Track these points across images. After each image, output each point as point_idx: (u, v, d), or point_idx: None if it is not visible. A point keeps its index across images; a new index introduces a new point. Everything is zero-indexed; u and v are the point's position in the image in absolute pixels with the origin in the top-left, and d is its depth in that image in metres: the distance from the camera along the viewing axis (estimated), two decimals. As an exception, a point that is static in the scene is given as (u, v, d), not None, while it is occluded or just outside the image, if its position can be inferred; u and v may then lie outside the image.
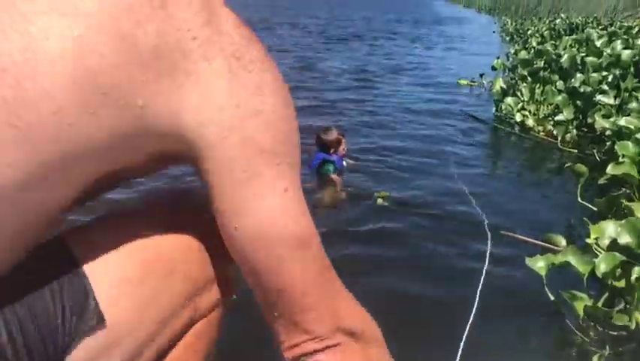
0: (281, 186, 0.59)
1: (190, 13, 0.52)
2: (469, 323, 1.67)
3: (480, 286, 1.88)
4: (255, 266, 0.61)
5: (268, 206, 0.58)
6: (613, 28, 8.86)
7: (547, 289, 1.76)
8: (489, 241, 2.27)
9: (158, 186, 2.57)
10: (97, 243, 0.61)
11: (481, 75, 6.70)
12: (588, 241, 2.05)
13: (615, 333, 1.65)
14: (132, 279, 0.61)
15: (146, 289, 0.62)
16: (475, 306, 1.77)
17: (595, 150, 3.69)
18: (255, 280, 0.63)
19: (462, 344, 1.57)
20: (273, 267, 0.61)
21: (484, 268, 2.03)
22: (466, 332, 1.63)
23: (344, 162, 3.20)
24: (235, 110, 0.55)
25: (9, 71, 0.45)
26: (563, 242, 2.21)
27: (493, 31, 16.52)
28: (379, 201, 2.73)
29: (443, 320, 1.76)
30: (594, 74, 4.65)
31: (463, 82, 6.86)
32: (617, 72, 4.53)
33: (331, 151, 3.12)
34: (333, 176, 3.04)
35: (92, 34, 0.47)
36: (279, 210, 0.59)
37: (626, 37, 6.67)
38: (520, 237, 2.38)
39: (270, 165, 0.58)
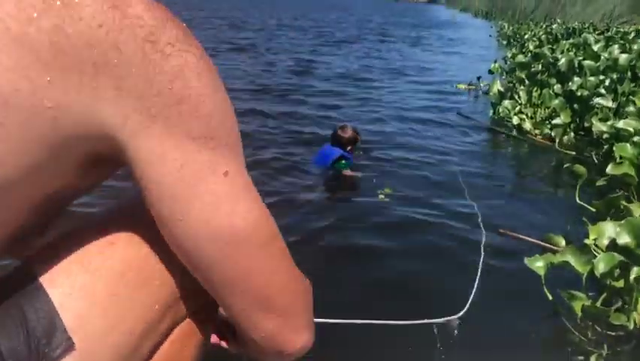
0: (220, 170, 0.55)
1: None
2: (465, 308, 1.68)
3: (477, 280, 1.92)
4: (210, 257, 0.58)
5: (211, 190, 0.55)
6: (610, 33, 8.91)
7: (545, 289, 1.76)
8: (483, 238, 2.29)
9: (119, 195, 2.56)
10: (61, 262, 0.58)
11: (479, 78, 6.72)
12: (587, 241, 2.05)
13: (613, 333, 1.65)
14: (102, 294, 0.58)
15: (119, 303, 0.58)
16: (471, 299, 1.77)
17: (592, 153, 3.70)
18: (210, 274, 0.60)
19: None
20: (233, 255, 0.58)
21: (480, 261, 2.09)
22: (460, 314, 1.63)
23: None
24: (156, 99, 0.51)
25: None
26: (562, 242, 2.22)
27: (490, 35, 16.58)
28: (381, 197, 2.85)
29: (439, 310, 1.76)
30: (591, 78, 4.67)
31: (462, 86, 6.88)
32: (615, 76, 4.55)
33: (348, 148, 3.26)
34: (348, 172, 3.17)
35: None
36: (224, 194, 0.56)
37: (622, 41, 6.72)
38: (519, 236, 2.38)
39: (203, 150, 0.54)
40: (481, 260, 2.10)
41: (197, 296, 0.67)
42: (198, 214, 0.55)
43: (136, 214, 0.63)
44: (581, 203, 2.46)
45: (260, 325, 0.63)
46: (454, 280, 2.03)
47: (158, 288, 0.62)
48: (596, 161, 3.54)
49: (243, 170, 0.58)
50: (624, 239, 1.73)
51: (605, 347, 1.62)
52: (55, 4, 0.46)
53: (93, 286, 0.58)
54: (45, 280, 0.57)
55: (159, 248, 0.62)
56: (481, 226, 2.43)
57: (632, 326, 1.65)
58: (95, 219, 0.66)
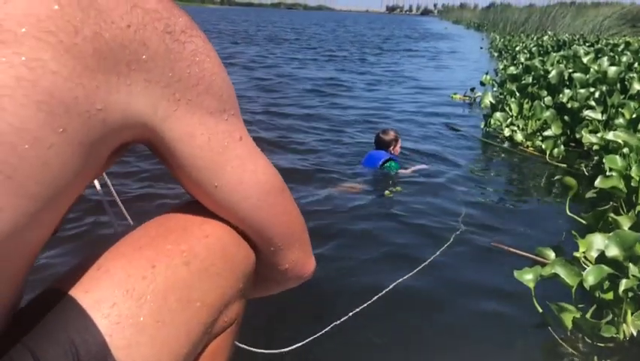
0: (237, 136, 0.64)
1: (115, 1, 0.51)
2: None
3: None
4: (248, 211, 0.66)
5: (235, 155, 0.63)
6: (599, 45, 9.01)
7: (535, 302, 1.77)
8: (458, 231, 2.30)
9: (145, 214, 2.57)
10: (104, 286, 0.58)
11: (472, 89, 6.78)
12: (576, 254, 2.06)
13: (603, 345, 1.66)
14: (148, 321, 0.58)
15: (165, 328, 0.59)
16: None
17: (583, 165, 3.73)
18: (250, 225, 0.68)
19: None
20: (264, 205, 0.67)
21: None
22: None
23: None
24: (179, 84, 0.56)
25: None
26: (552, 255, 2.23)
27: (481, 47, 16.74)
28: (387, 193, 3.27)
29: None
30: (582, 90, 4.72)
31: (457, 96, 6.95)
32: (604, 88, 4.60)
33: (390, 149, 3.63)
34: (403, 171, 3.59)
35: (36, 54, 0.45)
36: (245, 155, 0.64)
37: (612, 54, 6.79)
38: (509, 249, 2.39)
39: (220, 121, 0.62)
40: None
41: (230, 314, 0.69)
42: (230, 177, 0.63)
43: (171, 233, 0.65)
44: (572, 215, 2.48)
45: (288, 256, 0.75)
46: (440, 292, 2.04)
47: (199, 310, 0.63)
48: (586, 173, 3.56)
49: (247, 133, 0.67)
50: (613, 252, 1.74)
51: (595, 359, 1.62)
52: (91, 12, 0.49)
53: (139, 314, 0.57)
54: (90, 307, 0.56)
55: (196, 268, 0.63)
56: (461, 222, 2.45)
57: (622, 338, 1.66)
58: (129, 239, 0.65)
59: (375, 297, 1.92)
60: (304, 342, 1.61)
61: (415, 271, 2.16)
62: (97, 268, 0.60)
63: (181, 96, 0.57)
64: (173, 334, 0.60)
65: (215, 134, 0.61)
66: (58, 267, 2.00)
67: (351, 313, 1.80)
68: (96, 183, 0.97)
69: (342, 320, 1.77)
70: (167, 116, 0.57)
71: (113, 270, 0.60)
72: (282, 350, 1.53)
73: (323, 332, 1.69)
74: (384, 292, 1.97)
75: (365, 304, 1.87)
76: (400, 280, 2.07)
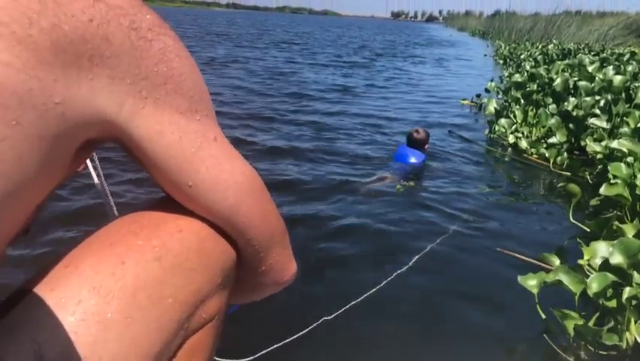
0: (210, 137, 0.62)
1: None
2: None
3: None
4: (226, 212, 0.65)
5: (210, 155, 0.61)
6: (604, 54, 9.01)
7: (539, 308, 1.76)
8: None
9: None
10: (71, 284, 0.57)
11: (478, 96, 6.79)
12: (580, 261, 2.06)
13: (605, 353, 1.66)
14: (115, 318, 0.57)
15: (133, 325, 0.58)
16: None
17: (587, 173, 3.73)
18: (229, 225, 0.67)
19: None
20: (242, 206, 0.65)
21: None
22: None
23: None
24: (145, 82, 0.55)
25: None
26: (557, 261, 2.22)
27: (485, 55, 16.76)
28: (398, 188, 3.44)
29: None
30: (587, 98, 4.72)
31: (465, 102, 6.98)
32: (609, 97, 4.60)
33: (425, 147, 3.96)
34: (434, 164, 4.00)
35: None
36: (221, 155, 0.63)
37: (617, 63, 6.79)
38: (514, 254, 2.39)
39: (192, 121, 0.60)
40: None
41: (207, 310, 0.67)
42: (205, 177, 0.61)
43: (143, 229, 0.64)
44: (575, 222, 2.47)
45: (267, 258, 0.73)
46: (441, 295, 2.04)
47: (171, 306, 0.62)
48: (590, 181, 3.56)
49: (223, 135, 0.66)
50: (617, 259, 1.73)
51: (598, 366, 1.62)
52: (49, 3, 0.48)
53: (106, 310, 0.57)
54: (56, 305, 0.56)
55: (169, 264, 0.62)
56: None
57: (624, 346, 1.65)
58: (100, 236, 0.64)
59: (366, 295, 1.92)
60: (297, 335, 1.63)
61: (408, 266, 2.19)
62: (64, 265, 0.59)
63: (148, 94, 0.56)
64: (144, 331, 0.59)
65: (186, 134, 0.59)
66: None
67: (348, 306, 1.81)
68: (93, 174, 0.99)
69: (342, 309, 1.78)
70: (135, 114, 0.56)
71: (82, 267, 0.59)
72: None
73: (313, 326, 1.71)
74: (376, 289, 1.97)
75: (358, 299, 1.87)
76: (396, 276, 2.08)
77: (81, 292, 0.57)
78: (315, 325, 1.74)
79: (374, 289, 2.00)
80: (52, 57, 0.48)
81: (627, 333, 1.67)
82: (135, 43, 0.54)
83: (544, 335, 1.77)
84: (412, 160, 3.85)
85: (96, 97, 0.52)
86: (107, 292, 0.57)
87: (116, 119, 0.55)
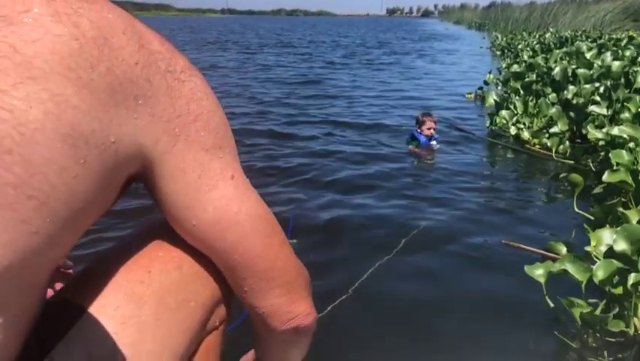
0: (228, 175, 0.66)
1: (126, 40, 0.55)
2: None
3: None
4: (222, 250, 0.68)
5: (222, 195, 0.65)
6: (602, 40, 8.98)
7: (547, 297, 1.77)
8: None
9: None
10: (106, 292, 0.63)
11: (480, 88, 6.80)
12: (587, 248, 2.07)
13: (614, 340, 1.67)
14: (149, 320, 0.64)
15: (164, 326, 0.65)
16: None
17: (589, 160, 3.73)
18: (223, 262, 0.70)
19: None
20: (239, 246, 0.68)
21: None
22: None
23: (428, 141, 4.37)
24: (178, 120, 0.60)
25: (14, 151, 0.47)
26: (564, 250, 2.24)
27: (481, 47, 16.76)
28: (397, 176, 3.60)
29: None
30: (586, 86, 4.72)
31: (470, 95, 6.99)
32: (609, 83, 4.59)
33: (419, 129, 4.35)
34: (410, 147, 4.32)
35: (61, 90, 0.49)
36: (232, 196, 0.66)
37: (615, 48, 6.78)
38: (521, 246, 2.40)
39: (215, 159, 0.64)
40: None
41: (220, 313, 0.75)
42: (210, 218, 0.65)
43: (164, 239, 0.71)
44: (580, 212, 2.48)
45: (265, 300, 0.73)
46: (444, 286, 2.05)
47: (194, 309, 0.69)
48: (593, 168, 3.56)
49: (242, 171, 0.69)
50: (621, 246, 1.74)
51: (606, 354, 1.63)
52: (105, 50, 0.53)
53: (140, 314, 0.63)
54: (98, 312, 0.62)
55: (188, 271, 0.69)
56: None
57: (632, 332, 1.66)
58: (126, 246, 0.71)
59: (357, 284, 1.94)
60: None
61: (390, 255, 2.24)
62: (99, 275, 0.66)
63: (180, 131, 0.60)
64: (173, 331, 0.66)
65: (206, 172, 0.63)
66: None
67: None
68: None
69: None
70: (166, 151, 0.60)
71: (114, 277, 0.65)
72: None
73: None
74: (364, 278, 1.99)
75: (350, 291, 1.89)
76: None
77: (117, 299, 0.63)
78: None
79: (360, 280, 2.04)
80: (107, 98, 0.53)
81: (635, 319, 1.68)
82: (170, 84, 0.59)
83: (552, 324, 1.78)
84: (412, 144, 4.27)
85: (139, 134, 0.57)
86: (139, 298, 0.64)
87: (150, 155, 0.59)
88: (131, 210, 2.65)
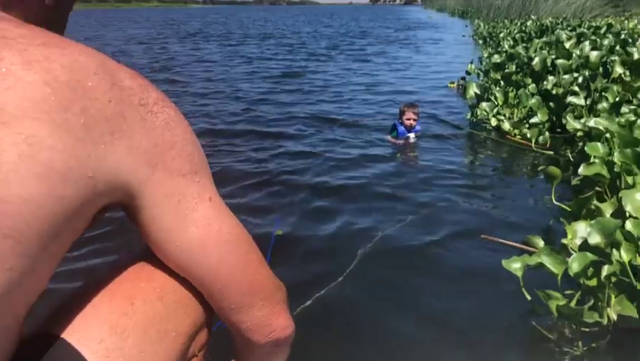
0: (206, 197, 0.69)
1: (98, 80, 0.58)
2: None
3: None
4: (206, 269, 0.70)
5: (202, 215, 0.68)
6: (582, 28, 9.08)
7: (524, 290, 1.83)
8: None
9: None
10: (90, 325, 0.65)
11: (463, 78, 6.86)
12: (564, 241, 2.13)
13: (588, 330, 1.73)
14: (132, 353, 0.65)
15: (146, 358, 0.67)
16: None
17: (568, 151, 3.81)
18: (207, 282, 0.72)
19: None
20: (223, 264, 0.71)
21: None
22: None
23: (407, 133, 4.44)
24: (155, 149, 0.63)
25: None
26: (541, 243, 2.30)
27: (463, 35, 16.82)
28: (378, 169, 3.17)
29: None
30: (565, 76, 4.79)
31: (453, 84, 7.06)
32: (587, 73, 4.67)
33: (400, 120, 4.44)
34: (387, 137, 4.51)
35: (35, 132, 0.52)
36: (212, 216, 0.69)
37: (594, 37, 6.86)
38: (499, 240, 2.46)
39: (192, 184, 0.67)
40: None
41: (200, 340, 0.77)
42: (193, 237, 0.68)
43: (145, 269, 0.73)
44: (558, 203, 2.55)
45: (249, 315, 0.76)
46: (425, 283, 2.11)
47: (175, 339, 0.71)
48: (572, 159, 3.63)
49: (217, 193, 0.72)
50: (595, 239, 1.80)
51: (580, 344, 1.70)
52: (78, 91, 0.56)
53: (124, 346, 0.65)
54: (80, 345, 0.63)
55: (169, 301, 0.72)
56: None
57: (605, 322, 1.73)
58: (107, 277, 0.72)
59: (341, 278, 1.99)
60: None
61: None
62: (81, 308, 0.67)
63: (158, 160, 0.63)
64: None
65: (185, 196, 0.67)
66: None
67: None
68: None
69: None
70: (146, 180, 0.63)
71: (97, 309, 0.67)
72: None
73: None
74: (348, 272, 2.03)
75: (331, 286, 1.93)
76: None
77: (101, 332, 0.65)
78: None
79: (345, 274, 2.07)
80: (84, 135, 0.56)
81: (608, 310, 1.74)
82: (144, 117, 0.62)
83: (530, 316, 1.84)
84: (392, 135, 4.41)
85: (118, 167, 0.60)
86: (123, 331, 0.66)
87: (129, 185, 0.62)
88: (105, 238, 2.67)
